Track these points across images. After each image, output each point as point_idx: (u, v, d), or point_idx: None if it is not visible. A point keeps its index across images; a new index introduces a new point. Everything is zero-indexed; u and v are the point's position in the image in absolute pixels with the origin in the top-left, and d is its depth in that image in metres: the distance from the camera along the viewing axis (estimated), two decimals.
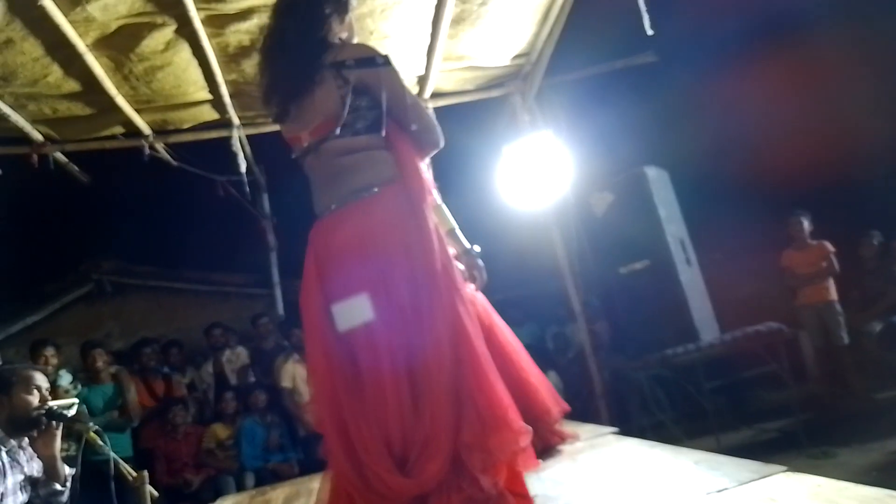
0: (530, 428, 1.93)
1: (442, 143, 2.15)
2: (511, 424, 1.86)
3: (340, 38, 2.17)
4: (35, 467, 2.51)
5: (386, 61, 2.03)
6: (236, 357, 5.83)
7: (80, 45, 3.56)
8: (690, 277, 4.98)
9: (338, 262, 2.00)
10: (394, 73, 2.06)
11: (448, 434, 1.82)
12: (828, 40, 6.70)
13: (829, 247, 5.81)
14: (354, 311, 1.94)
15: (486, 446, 1.81)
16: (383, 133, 2.04)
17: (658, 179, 5.14)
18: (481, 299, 3.05)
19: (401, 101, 2.05)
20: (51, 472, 2.51)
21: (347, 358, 1.96)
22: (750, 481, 1.78)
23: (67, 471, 2.57)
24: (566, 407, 2.92)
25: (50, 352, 4.55)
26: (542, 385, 2.95)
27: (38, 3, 3.12)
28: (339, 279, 1.99)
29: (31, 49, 3.53)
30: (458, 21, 4.15)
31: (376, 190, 1.99)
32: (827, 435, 4.77)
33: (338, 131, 1.99)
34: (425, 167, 2.22)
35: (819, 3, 6.71)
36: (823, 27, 6.74)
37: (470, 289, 2.60)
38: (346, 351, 1.97)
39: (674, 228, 5.03)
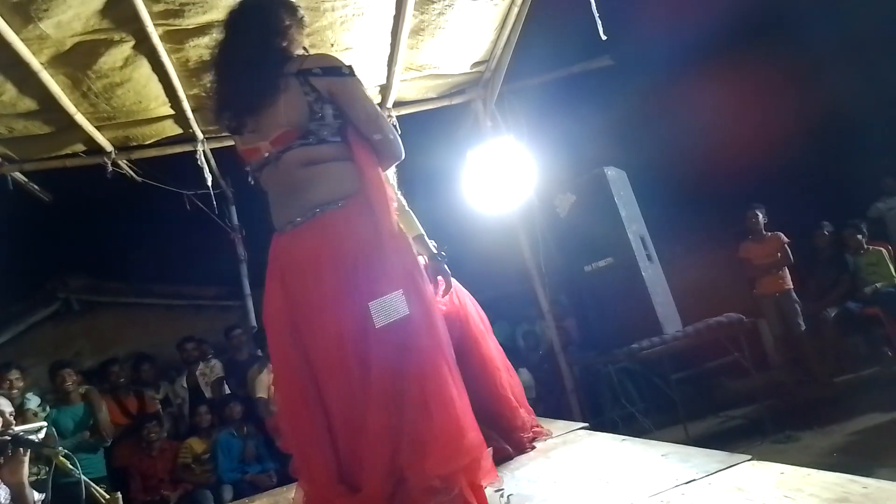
0: (480, 444, 1.90)
1: (402, 156, 2.14)
2: (461, 440, 1.82)
3: (305, 49, 2.19)
4: (2, 495, 2.46)
5: (351, 72, 2.03)
6: (210, 370, 5.79)
7: (35, 62, 3.50)
8: (652, 273, 5.08)
9: (306, 277, 1.96)
10: (358, 84, 2.06)
11: (385, 450, 1.80)
12: (776, 41, 6.94)
13: (784, 238, 6.01)
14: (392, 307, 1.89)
15: (422, 468, 1.78)
16: (346, 144, 2.03)
17: (618, 179, 5.25)
18: (473, 307, 3.11)
19: (365, 112, 2.04)
20: (19, 500, 2.46)
21: (308, 374, 1.94)
22: (717, 472, 1.82)
23: (36, 497, 2.52)
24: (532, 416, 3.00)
25: (14, 375, 4.45)
26: (519, 395, 3.02)
27: None
28: (307, 294, 1.96)
29: None
30: (417, 31, 4.21)
31: (341, 203, 1.96)
32: (790, 419, 4.93)
33: (303, 139, 1.97)
34: (389, 176, 2.24)
35: (766, 8, 6.94)
36: (771, 30, 6.98)
37: (441, 296, 2.64)
38: (308, 368, 1.94)
39: (635, 226, 5.13)
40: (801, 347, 6.00)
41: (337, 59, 2.10)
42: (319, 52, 2.35)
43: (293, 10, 2.16)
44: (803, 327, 5.91)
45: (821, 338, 6.07)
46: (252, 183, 2.20)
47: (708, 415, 5.86)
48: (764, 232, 6.09)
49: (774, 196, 6.35)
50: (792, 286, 5.99)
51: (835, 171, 6.64)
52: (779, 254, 5.99)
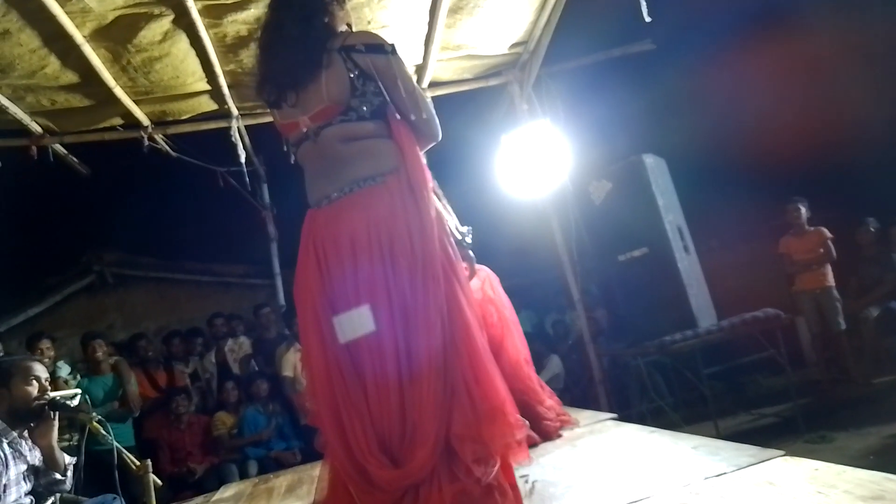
0: (526, 421, 1.95)
1: (440, 137, 2.13)
2: (506, 416, 1.85)
3: (348, 25, 2.18)
4: (37, 457, 2.53)
5: (393, 50, 2.02)
6: (239, 347, 5.87)
7: (78, 35, 3.55)
8: (688, 265, 4.97)
9: (342, 253, 1.96)
10: (400, 62, 2.05)
11: (435, 423, 1.81)
12: (824, 28, 6.70)
13: (827, 233, 5.83)
14: (359, 321, 1.92)
15: (479, 437, 1.81)
16: (387, 120, 2.03)
17: (656, 167, 5.12)
18: (502, 296, 3.11)
19: (406, 90, 2.03)
20: (50, 462, 2.53)
21: (343, 350, 1.94)
22: (748, 466, 1.80)
23: (67, 459, 2.59)
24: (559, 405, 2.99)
25: (45, 344, 4.55)
26: (543, 384, 3.02)
27: None
28: (345, 270, 1.95)
29: (28, 40, 3.52)
30: (455, 10, 4.15)
31: (381, 179, 1.97)
32: (824, 420, 4.80)
33: (344, 115, 1.97)
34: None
35: None
36: (820, 15, 6.73)
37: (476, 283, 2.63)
38: (342, 343, 1.94)
39: (672, 216, 5.01)
40: (839, 346, 5.84)
41: (380, 36, 2.08)
42: (358, 29, 2.31)
43: None
44: (843, 326, 5.74)
45: (860, 337, 5.89)
46: (291, 159, 2.20)
47: (740, 411, 5.74)
48: (806, 227, 5.92)
49: (819, 189, 6.15)
50: (833, 283, 5.82)
51: (885, 164, 6.39)
52: (821, 249, 5.81)
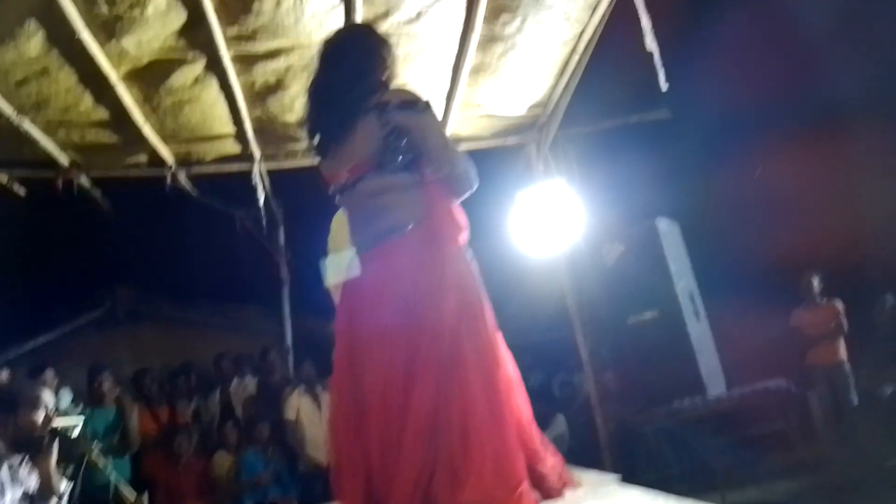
0: (522, 478, 1.91)
1: (476, 185, 2.20)
2: (486, 474, 1.82)
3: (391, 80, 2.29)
4: (33, 483, 2.52)
5: (427, 107, 2.13)
6: (243, 388, 5.83)
7: (113, 76, 3.67)
8: (699, 331, 4.94)
9: (364, 304, 2.08)
10: (432, 118, 2.16)
11: (412, 475, 1.82)
12: (843, 103, 6.79)
13: (839, 306, 5.77)
14: None
15: (455, 499, 1.78)
16: (419, 174, 2.12)
17: (669, 232, 5.16)
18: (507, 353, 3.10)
19: (436, 146, 2.11)
20: (46, 487, 2.52)
21: (359, 399, 2.01)
22: None
23: (63, 486, 2.59)
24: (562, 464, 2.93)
25: (49, 375, 4.54)
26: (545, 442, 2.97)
27: (76, 36, 3.25)
28: (364, 320, 2.06)
29: (65, 78, 3.65)
30: (477, 70, 4.27)
31: (402, 231, 2.05)
32: (836, 499, 4.67)
33: (375, 170, 2.07)
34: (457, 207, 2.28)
35: (833, 71, 6.84)
36: (837, 91, 6.84)
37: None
38: (360, 391, 2.01)
39: (683, 282, 5.01)
40: (852, 423, 5.71)
41: (414, 93, 2.19)
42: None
43: (387, 44, 2.30)
44: (856, 402, 5.62)
45: (875, 415, 5.76)
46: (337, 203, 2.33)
47: (748, 485, 5.56)
48: (818, 300, 5.87)
49: (834, 263, 6.13)
50: (846, 358, 5.73)
51: None
52: (833, 323, 5.75)
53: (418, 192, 2.10)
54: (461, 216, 2.19)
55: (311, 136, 2.25)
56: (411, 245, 2.04)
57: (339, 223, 3.14)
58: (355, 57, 2.20)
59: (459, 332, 1.96)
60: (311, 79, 2.31)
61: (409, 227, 2.05)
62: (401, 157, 2.08)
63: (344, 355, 2.11)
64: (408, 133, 2.08)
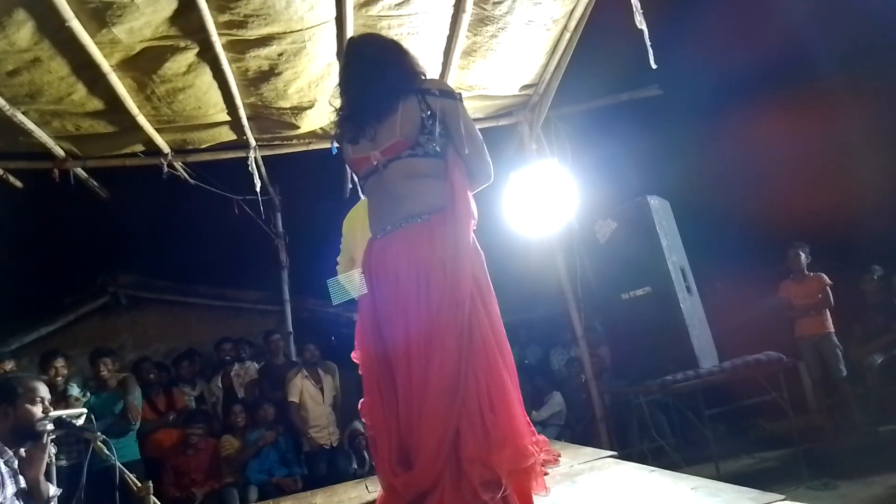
0: (534, 452, 2.04)
1: (492, 178, 2.36)
2: (517, 445, 1.98)
3: (423, 74, 2.40)
4: (10, 490, 2.46)
5: (461, 97, 2.29)
6: (245, 371, 5.92)
7: (105, 65, 3.68)
8: (690, 305, 5.00)
9: (388, 279, 2.22)
10: (464, 108, 2.30)
11: (435, 438, 1.98)
12: (829, 76, 6.81)
13: (826, 279, 5.83)
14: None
15: (487, 462, 1.93)
16: (445, 163, 2.25)
17: (660, 209, 5.20)
18: None
19: (466, 131, 2.26)
20: (35, 493, 2.49)
21: (387, 367, 2.21)
22: None
23: (52, 491, 2.56)
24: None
25: (60, 363, 4.61)
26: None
27: (66, 24, 3.24)
28: (388, 294, 2.22)
29: (57, 68, 3.64)
30: (468, 52, 4.29)
31: (427, 217, 2.20)
32: (828, 466, 4.77)
33: (412, 150, 2.20)
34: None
35: (818, 43, 6.84)
36: (823, 64, 6.86)
37: None
38: (386, 360, 2.20)
39: (675, 257, 5.07)
40: (842, 393, 5.80)
41: (449, 85, 2.40)
42: None
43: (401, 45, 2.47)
44: (844, 373, 5.71)
45: (864, 384, 5.86)
46: (360, 191, 2.56)
47: (741, 454, 5.70)
48: (806, 272, 5.93)
49: (823, 233, 6.19)
50: (833, 330, 5.80)
51: (889, 211, 6.42)
52: (819, 295, 5.81)
53: (444, 181, 2.24)
54: (474, 206, 2.33)
55: (347, 122, 2.34)
56: (436, 228, 2.18)
57: (358, 211, 3.27)
58: (386, 45, 2.39)
59: (476, 304, 2.12)
60: (342, 73, 2.45)
61: (432, 213, 2.19)
62: (435, 140, 2.22)
63: (371, 326, 2.27)
64: (445, 119, 2.22)
